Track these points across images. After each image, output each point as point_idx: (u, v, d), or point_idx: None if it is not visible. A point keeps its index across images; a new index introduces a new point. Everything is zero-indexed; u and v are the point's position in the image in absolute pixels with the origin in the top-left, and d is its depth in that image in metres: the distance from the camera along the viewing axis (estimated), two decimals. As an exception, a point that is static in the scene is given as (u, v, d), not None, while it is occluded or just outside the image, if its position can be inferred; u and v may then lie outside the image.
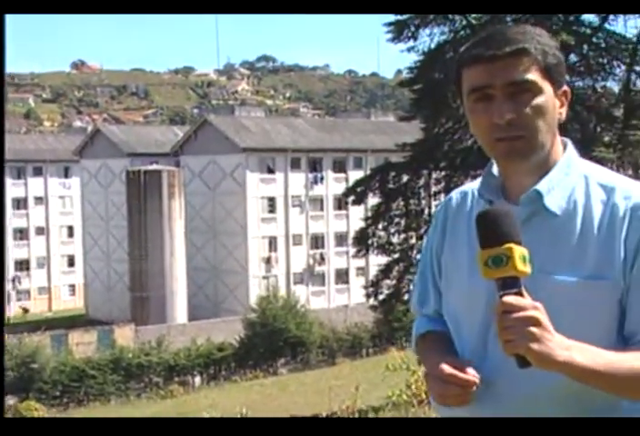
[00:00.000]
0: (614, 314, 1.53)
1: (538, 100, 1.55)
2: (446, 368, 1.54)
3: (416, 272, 1.87)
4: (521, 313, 1.37)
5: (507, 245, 1.39)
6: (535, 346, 1.37)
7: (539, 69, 1.55)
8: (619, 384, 1.46)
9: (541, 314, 1.39)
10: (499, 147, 1.57)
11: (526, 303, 1.39)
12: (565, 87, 1.62)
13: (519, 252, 1.39)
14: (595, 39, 17.69)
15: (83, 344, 35.97)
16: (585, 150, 14.21)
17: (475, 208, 1.66)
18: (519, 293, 1.40)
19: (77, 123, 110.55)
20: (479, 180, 1.70)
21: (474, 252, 1.54)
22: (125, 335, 37.15)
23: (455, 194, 1.77)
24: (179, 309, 41.76)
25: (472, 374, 1.54)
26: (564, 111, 1.62)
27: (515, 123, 1.54)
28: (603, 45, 17.82)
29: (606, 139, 16.68)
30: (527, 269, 1.40)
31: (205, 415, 12.78)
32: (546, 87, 1.56)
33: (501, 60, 1.53)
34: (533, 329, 1.37)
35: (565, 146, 1.65)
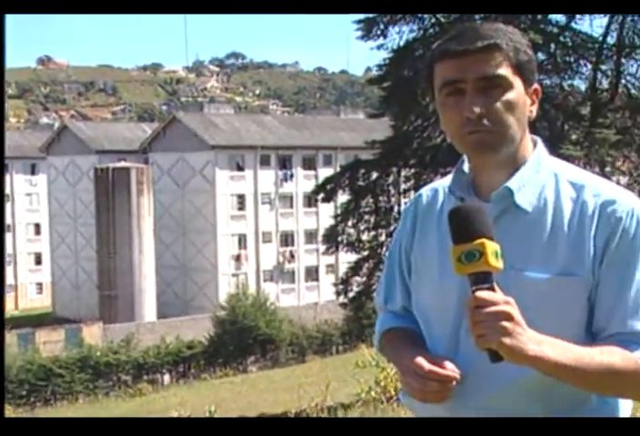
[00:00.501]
0: (583, 310, 1.55)
1: (509, 95, 1.56)
2: (425, 364, 1.54)
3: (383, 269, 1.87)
4: (493, 308, 1.38)
5: (480, 241, 1.40)
6: (507, 340, 1.38)
7: (510, 65, 1.56)
8: (589, 379, 1.47)
9: (513, 309, 1.40)
10: (470, 140, 1.57)
11: (499, 298, 1.39)
12: (536, 85, 1.63)
13: (492, 247, 1.40)
14: (562, 38, 17.84)
15: (50, 343, 35.62)
16: (553, 148, 14.34)
17: (445, 205, 1.66)
18: (491, 288, 1.40)
19: (44, 120, 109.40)
20: (450, 177, 1.70)
21: (444, 249, 1.54)
22: (93, 334, 36.86)
23: (424, 191, 1.77)
24: (148, 307, 41.54)
25: (451, 369, 1.54)
26: (534, 109, 1.63)
27: (486, 117, 1.55)
28: (570, 44, 17.98)
29: (574, 137, 16.83)
30: (500, 264, 1.41)
31: (174, 413, 12.73)
32: (517, 83, 1.57)
33: (473, 55, 1.54)
34: (505, 323, 1.38)
35: (535, 144, 1.66)
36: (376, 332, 1.81)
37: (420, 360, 1.54)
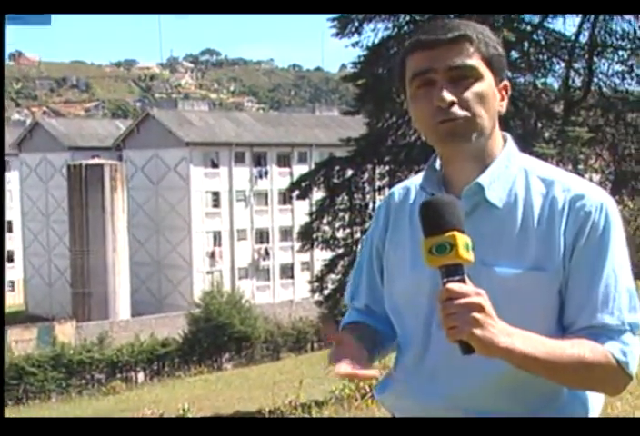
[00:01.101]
0: (554, 305, 1.56)
1: (479, 85, 1.57)
2: (342, 370, 1.52)
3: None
4: (464, 300, 1.38)
5: (451, 233, 1.40)
6: (478, 332, 1.38)
7: (481, 57, 1.57)
8: (559, 371, 1.48)
9: (484, 301, 1.40)
10: (441, 129, 1.57)
11: (469, 290, 1.40)
12: (506, 82, 1.64)
13: (463, 239, 1.40)
14: (535, 36, 17.96)
15: (22, 341, 35.30)
16: (527, 145, 14.43)
17: (417, 202, 1.67)
18: (462, 281, 1.41)
19: (15, 116, 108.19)
20: (421, 174, 1.70)
21: (416, 244, 1.55)
22: (65, 332, 36.57)
23: (396, 189, 1.77)
24: (122, 305, 41.30)
25: (366, 371, 1.52)
26: (504, 104, 1.64)
27: (457, 105, 1.55)
28: (543, 43, 18.10)
29: (547, 135, 16.95)
30: (471, 256, 1.41)
31: (147, 411, 12.67)
32: (487, 75, 1.58)
33: (443, 45, 1.55)
34: (476, 315, 1.38)
35: (505, 140, 1.67)
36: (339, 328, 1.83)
37: (339, 365, 1.52)
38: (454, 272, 1.40)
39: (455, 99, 1.55)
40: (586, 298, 1.54)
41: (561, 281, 1.56)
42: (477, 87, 1.56)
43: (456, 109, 1.55)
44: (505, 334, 1.41)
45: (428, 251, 1.41)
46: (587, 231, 1.55)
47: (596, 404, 1.63)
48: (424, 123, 1.60)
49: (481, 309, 1.39)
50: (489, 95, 1.58)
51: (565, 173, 1.65)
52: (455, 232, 1.40)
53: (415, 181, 1.75)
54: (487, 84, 1.58)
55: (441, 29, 1.56)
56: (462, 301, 1.38)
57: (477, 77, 1.57)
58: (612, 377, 1.52)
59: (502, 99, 1.63)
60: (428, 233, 1.42)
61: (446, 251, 1.40)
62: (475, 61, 1.56)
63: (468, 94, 1.56)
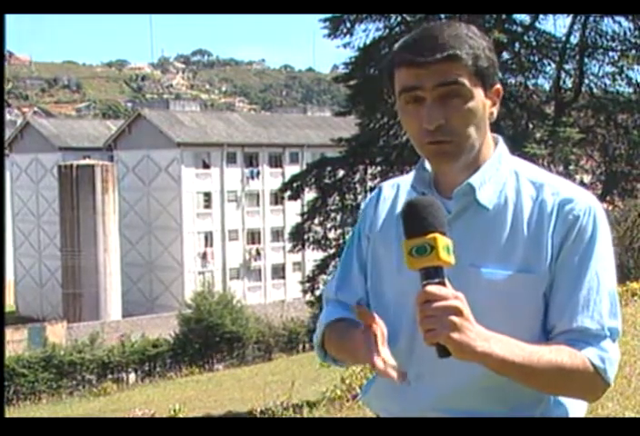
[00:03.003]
0: (539, 308, 1.56)
1: (468, 105, 1.56)
2: (380, 365, 1.48)
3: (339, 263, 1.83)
4: (442, 302, 1.37)
5: (431, 235, 1.39)
6: (454, 335, 1.37)
7: (470, 74, 1.55)
8: (537, 377, 1.48)
9: (462, 304, 1.39)
10: (429, 150, 1.58)
11: (448, 293, 1.39)
12: (497, 85, 1.62)
13: (443, 242, 1.39)
14: (526, 37, 18.02)
15: (13, 342, 35.18)
16: (518, 146, 14.47)
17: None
18: (442, 283, 1.39)
19: (6, 116, 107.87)
20: (412, 174, 1.70)
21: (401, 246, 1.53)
22: (56, 333, 36.46)
23: (386, 185, 1.77)
24: (113, 305, 41.19)
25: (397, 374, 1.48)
26: (495, 109, 1.63)
27: (444, 128, 1.54)
28: (534, 44, 18.16)
29: (538, 135, 17.00)
30: (451, 259, 1.40)
31: (138, 412, 12.64)
32: (477, 91, 1.57)
33: (432, 65, 1.53)
34: (454, 318, 1.37)
35: (496, 143, 1.67)
36: (320, 324, 1.75)
37: (377, 361, 1.47)
38: (433, 274, 1.39)
39: (442, 122, 1.54)
40: (568, 301, 1.54)
41: (547, 284, 1.55)
42: (466, 106, 1.55)
43: (444, 132, 1.54)
44: (482, 338, 1.41)
45: (408, 252, 1.40)
46: (574, 234, 1.55)
47: (580, 405, 1.62)
48: (412, 138, 1.60)
49: (459, 312, 1.38)
50: (479, 112, 1.57)
51: (555, 176, 1.65)
52: (436, 234, 1.39)
53: (405, 179, 1.74)
54: (476, 100, 1.57)
55: (429, 47, 1.53)
56: (440, 303, 1.37)
57: (466, 95, 1.55)
58: (589, 384, 1.52)
59: (493, 104, 1.62)
60: (409, 235, 1.41)
61: (426, 253, 1.38)
62: (464, 79, 1.54)
63: (457, 115, 1.54)
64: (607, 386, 1.54)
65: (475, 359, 1.41)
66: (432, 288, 1.39)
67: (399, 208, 1.68)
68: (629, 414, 4.32)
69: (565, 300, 1.54)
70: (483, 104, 1.58)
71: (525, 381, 1.49)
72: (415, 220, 1.42)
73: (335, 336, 1.69)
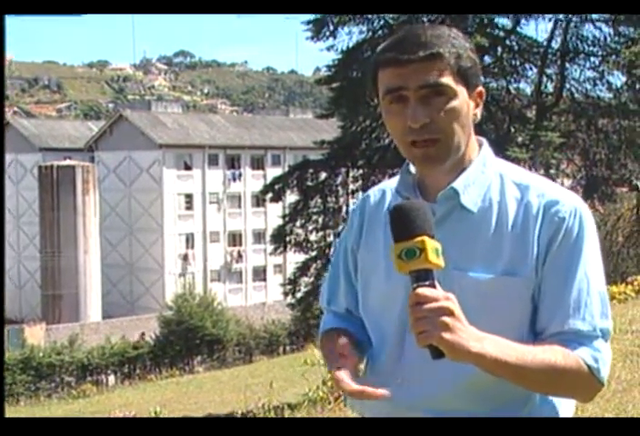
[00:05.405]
0: (527, 310, 1.56)
1: (452, 103, 1.56)
2: (347, 386, 1.51)
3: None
4: (433, 304, 1.38)
5: (420, 238, 1.40)
6: (447, 336, 1.38)
7: (453, 73, 1.56)
8: (530, 377, 1.48)
9: (454, 305, 1.40)
10: (414, 152, 1.58)
11: (439, 294, 1.39)
12: (480, 88, 1.63)
13: (432, 244, 1.40)
14: (508, 42, 18.11)
15: (-9, 344, 34.89)
16: (500, 150, 14.53)
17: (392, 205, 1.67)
18: (432, 286, 1.40)
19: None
20: (397, 178, 1.70)
21: (389, 250, 1.54)
22: (35, 334, 36.21)
23: (372, 192, 1.77)
24: (93, 307, 40.96)
25: (372, 388, 1.49)
26: (479, 111, 1.63)
27: (429, 127, 1.55)
28: (516, 48, 18.25)
29: (519, 139, 17.08)
30: (440, 261, 1.41)
31: (119, 414, 12.56)
32: (460, 90, 1.57)
33: (415, 64, 1.54)
34: (446, 319, 1.38)
35: (480, 145, 1.67)
36: (319, 333, 1.81)
37: (343, 383, 1.51)
38: (424, 277, 1.40)
39: (427, 120, 1.54)
40: (558, 303, 1.54)
41: (534, 286, 1.55)
42: (450, 105, 1.55)
43: (430, 130, 1.55)
44: (474, 339, 1.41)
45: (398, 256, 1.41)
46: (561, 236, 1.55)
47: (567, 408, 1.63)
48: (397, 139, 1.61)
49: (450, 313, 1.38)
50: (462, 111, 1.57)
51: (540, 178, 1.65)
52: (425, 237, 1.40)
53: (390, 184, 1.75)
54: (460, 99, 1.57)
55: (412, 45, 1.54)
56: (431, 305, 1.38)
57: (450, 94, 1.55)
58: (583, 383, 1.52)
59: (476, 106, 1.62)
60: (397, 239, 1.42)
61: (416, 256, 1.39)
62: (447, 78, 1.55)
63: (442, 114, 1.55)
64: (601, 386, 1.54)
65: (468, 359, 1.42)
66: (422, 290, 1.39)
67: (384, 213, 1.68)
68: (609, 416, 4.36)
69: (555, 302, 1.54)
70: (467, 103, 1.59)
71: (518, 381, 1.49)
72: (403, 223, 1.42)
73: (325, 350, 1.73)
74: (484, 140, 1.69)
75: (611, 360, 1.55)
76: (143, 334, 36.11)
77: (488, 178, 1.62)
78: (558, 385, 1.51)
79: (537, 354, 1.48)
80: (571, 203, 1.58)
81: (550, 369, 1.48)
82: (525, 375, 1.48)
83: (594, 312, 1.54)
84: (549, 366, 1.48)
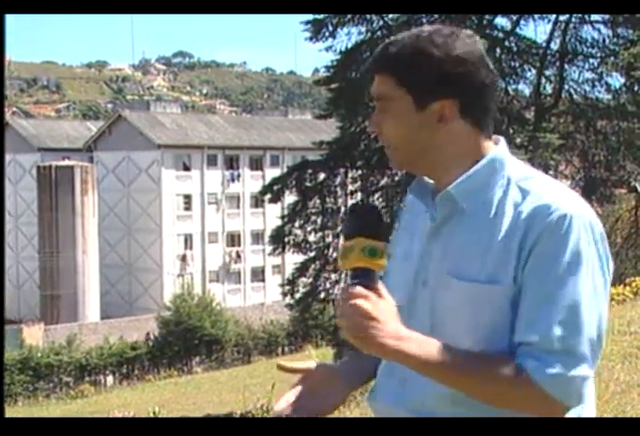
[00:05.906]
0: (507, 319, 1.50)
1: (392, 117, 1.57)
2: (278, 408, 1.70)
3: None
4: (352, 301, 1.42)
5: (357, 239, 1.46)
6: (360, 334, 1.42)
7: (399, 84, 1.55)
8: (462, 382, 1.46)
9: (370, 304, 1.42)
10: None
11: (360, 293, 1.42)
12: (448, 101, 1.55)
13: (363, 244, 1.45)
14: (507, 43, 18.14)
15: (-11, 344, 34.87)
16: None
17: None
18: (363, 284, 1.43)
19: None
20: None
21: (409, 246, 1.62)
22: (34, 334, 36.19)
23: (409, 189, 1.75)
24: (91, 307, 40.94)
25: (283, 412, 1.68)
26: (453, 124, 1.56)
27: (381, 135, 1.61)
28: (515, 49, 18.28)
29: (518, 141, 17.09)
30: (370, 262, 1.45)
31: (117, 415, 12.55)
32: (406, 103, 1.55)
33: (373, 74, 1.60)
34: (359, 318, 1.41)
35: (496, 144, 1.62)
36: None
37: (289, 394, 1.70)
38: (359, 275, 1.45)
39: (375, 129, 1.61)
40: (526, 313, 1.47)
41: (513, 295, 1.49)
42: (390, 118, 1.57)
43: (381, 138, 1.61)
44: (392, 338, 1.42)
45: (341, 254, 1.48)
46: (542, 243, 1.47)
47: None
48: None
49: (366, 312, 1.41)
50: (403, 124, 1.56)
51: (549, 182, 1.56)
52: (360, 238, 1.45)
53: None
54: (402, 113, 1.55)
55: (376, 56, 1.59)
56: (349, 302, 1.42)
57: (393, 108, 1.56)
58: (524, 396, 1.45)
59: (440, 120, 1.55)
60: (344, 238, 1.50)
61: (349, 254, 1.46)
62: (390, 90, 1.55)
63: (385, 124, 1.59)
64: (554, 402, 1.44)
65: (387, 357, 1.47)
66: (344, 286, 1.46)
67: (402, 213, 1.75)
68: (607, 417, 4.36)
69: (522, 311, 1.48)
70: (411, 117, 1.55)
71: (451, 384, 1.47)
72: (348, 223, 1.50)
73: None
74: (501, 138, 1.64)
75: (584, 378, 1.45)
76: (148, 334, 36.11)
77: (494, 181, 1.57)
78: (495, 394, 1.46)
79: (471, 360, 1.45)
80: (563, 209, 1.48)
81: (483, 376, 1.44)
82: (455, 379, 1.46)
83: (556, 324, 1.44)
84: (482, 373, 1.45)
